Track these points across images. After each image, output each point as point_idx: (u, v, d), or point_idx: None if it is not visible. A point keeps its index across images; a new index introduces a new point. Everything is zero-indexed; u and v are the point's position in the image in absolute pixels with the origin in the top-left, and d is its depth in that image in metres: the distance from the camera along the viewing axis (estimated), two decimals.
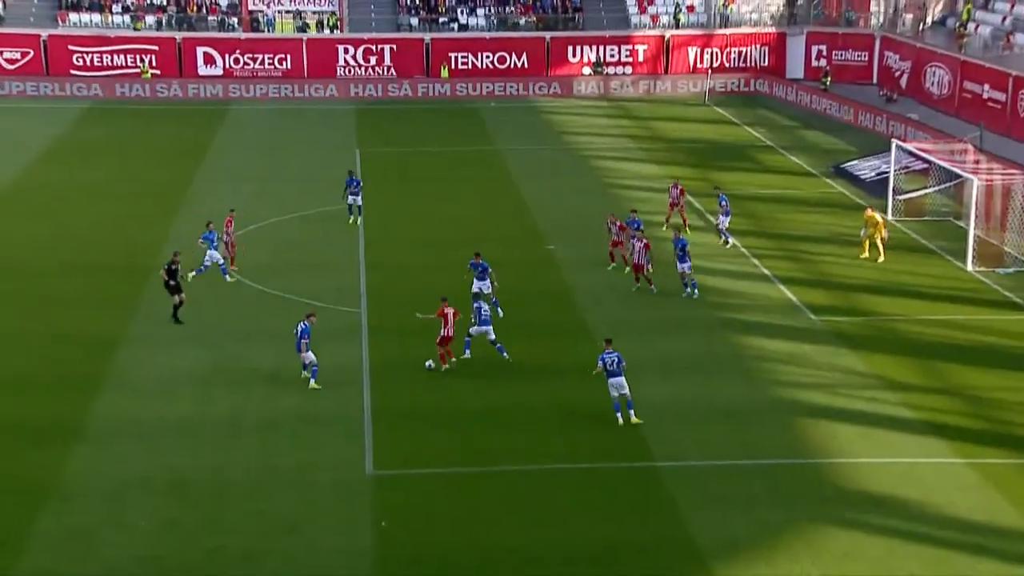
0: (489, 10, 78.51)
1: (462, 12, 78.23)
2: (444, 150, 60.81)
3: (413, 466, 27.04)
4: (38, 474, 26.29)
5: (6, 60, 73.22)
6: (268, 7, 76.80)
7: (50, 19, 75.47)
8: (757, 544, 23.88)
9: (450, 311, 31.69)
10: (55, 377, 31.60)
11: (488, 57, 75.88)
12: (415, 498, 25.72)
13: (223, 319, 35.87)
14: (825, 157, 58.29)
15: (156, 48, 74.03)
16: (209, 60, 74.50)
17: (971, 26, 64.62)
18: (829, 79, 72.06)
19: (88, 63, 73.49)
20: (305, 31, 76.05)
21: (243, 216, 46.34)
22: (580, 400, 30.29)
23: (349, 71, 75.02)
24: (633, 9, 79.00)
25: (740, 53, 76.71)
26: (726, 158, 58.48)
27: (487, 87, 74.73)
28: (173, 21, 75.99)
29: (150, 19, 75.90)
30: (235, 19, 76.55)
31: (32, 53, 73.31)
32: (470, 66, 75.67)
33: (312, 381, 30.83)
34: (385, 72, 75.16)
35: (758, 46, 76.63)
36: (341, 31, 76.40)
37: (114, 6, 76.19)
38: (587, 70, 76.12)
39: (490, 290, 35.69)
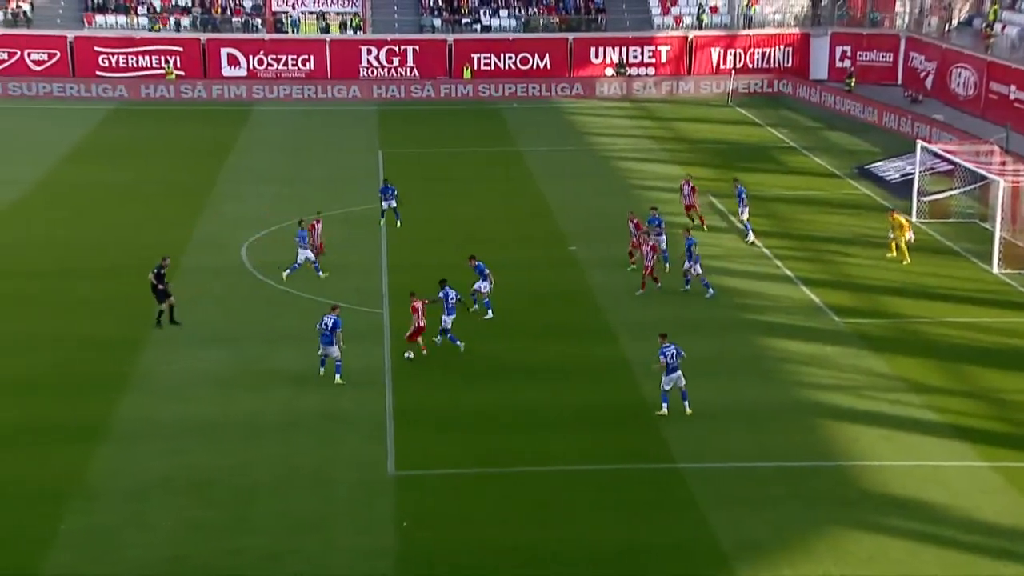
0: (512, 11, 78.49)
1: (485, 13, 78.28)
2: (467, 151, 60.85)
3: (435, 467, 27.04)
4: (62, 474, 26.38)
5: (34, 61, 73.62)
6: (292, 8, 77.00)
7: (77, 20, 75.87)
8: (780, 546, 23.79)
9: (419, 303, 32.34)
10: (79, 378, 31.71)
11: (511, 58, 75.90)
12: (437, 499, 25.73)
13: (245, 320, 35.98)
14: (849, 158, 58.09)
15: (180, 49, 74.34)
16: (233, 61, 74.75)
17: (998, 27, 64.25)
18: (853, 80, 71.76)
19: (113, 64, 73.86)
20: (328, 32, 76.19)
21: (266, 217, 46.63)
22: (601, 400, 30.30)
23: (372, 72, 75.15)
24: (656, 10, 78.89)
25: (764, 54, 76.50)
26: (749, 159, 58.33)
27: (510, 88, 74.76)
28: (198, 22, 76.24)
29: (175, 20, 76.11)
30: (259, 20, 76.79)
31: (59, 55, 73.71)
32: (493, 67, 75.71)
33: (337, 376, 30.95)
34: (408, 73, 75.28)
35: (782, 47, 76.42)
36: (364, 32, 76.56)
37: (139, 8, 76.50)
38: (610, 71, 76.06)
39: (488, 290, 35.88)
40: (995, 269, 40.59)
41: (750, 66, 76.33)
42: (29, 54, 73.65)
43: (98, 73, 73.71)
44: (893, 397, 30.75)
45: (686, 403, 29.24)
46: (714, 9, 78.45)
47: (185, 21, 76.44)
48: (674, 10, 78.74)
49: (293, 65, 75.03)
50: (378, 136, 63.98)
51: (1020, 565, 23.27)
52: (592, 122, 67.97)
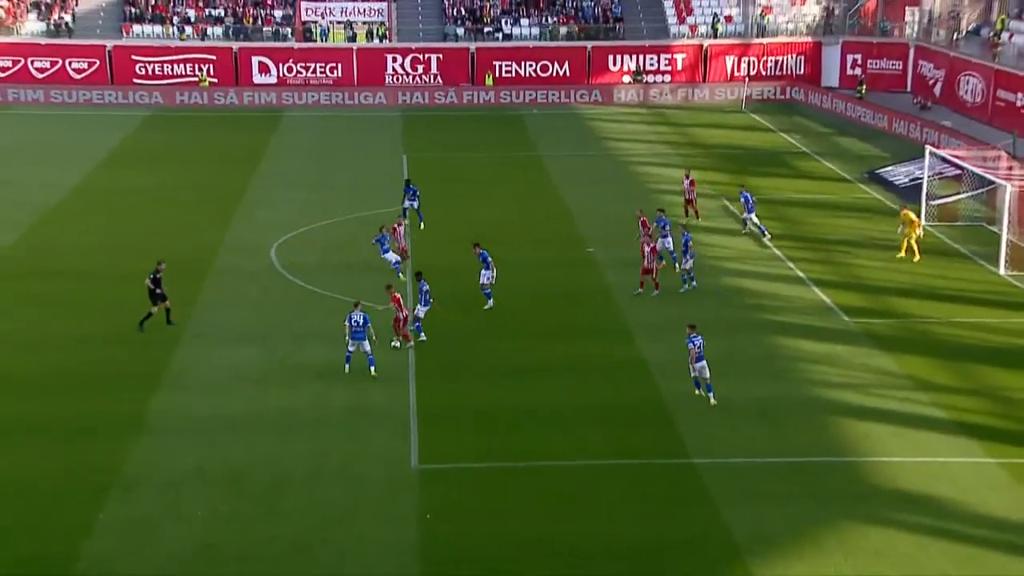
0: (533, 20, 78.51)
1: (506, 22, 78.30)
2: (488, 156, 60.90)
3: (458, 461, 27.09)
4: (101, 466, 26.54)
5: (74, 70, 74.04)
6: (320, 18, 77.18)
7: (115, 31, 76.21)
8: (791, 540, 23.76)
9: (399, 295, 33.11)
10: (116, 374, 31.86)
11: (531, 66, 75.95)
12: (459, 492, 25.76)
13: (275, 318, 36.07)
14: (859, 163, 57.95)
15: (214, 58, 74.64)
16: (264, 69, 75.00)
17: (1005, 35, 64.02)
18: (864, 87, 71.62)
19: (150, 72, 74.21)
20: (355, 41, 76.35)
21: (295, 219, 46.77)
22: (618, 398, 30.32)
23: (397, 79, 75.30)
24: (672, 19, 78.80)
25: (776, 62, 76.38)
26: (762, 164, 58.25)
27: (530, 95, 74.80)
28: (230, 32, 76.49)
29: (208, 30, 76.41)
30: (289, 30, 76.99)
31: (98, 63, 74.10)
32: (514, 74, 75.78)
33: (372, 369, 31.21)
34: (432, 80, 75.39)
35: (794, 55, 76.31)
36: (390, 41, 76.67)
37: (175, 18, 76.79)
38: (627, 78, 76.05)
39: (490, 280, 36.25)
40: (1002, 271, 40.46)
41: (763, 73, 76.23)
42: (70, 63, 74.05)
43: (135, 81, 74.07)
44: (902, 395, 30.69)
45: (711, 395, 29.57)
46: (728, 18, 78.33)
47: (218, 31, 76.69)
48: (689, 19, 78.63)
49: (321, 72, 75.24)
50: (403, 141, 64.09)
51: None
52: (610, 127, 67.97)
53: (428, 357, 32.78)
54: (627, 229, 42.89)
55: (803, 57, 76.27)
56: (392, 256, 39.27)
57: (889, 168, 55.39)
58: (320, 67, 75.30)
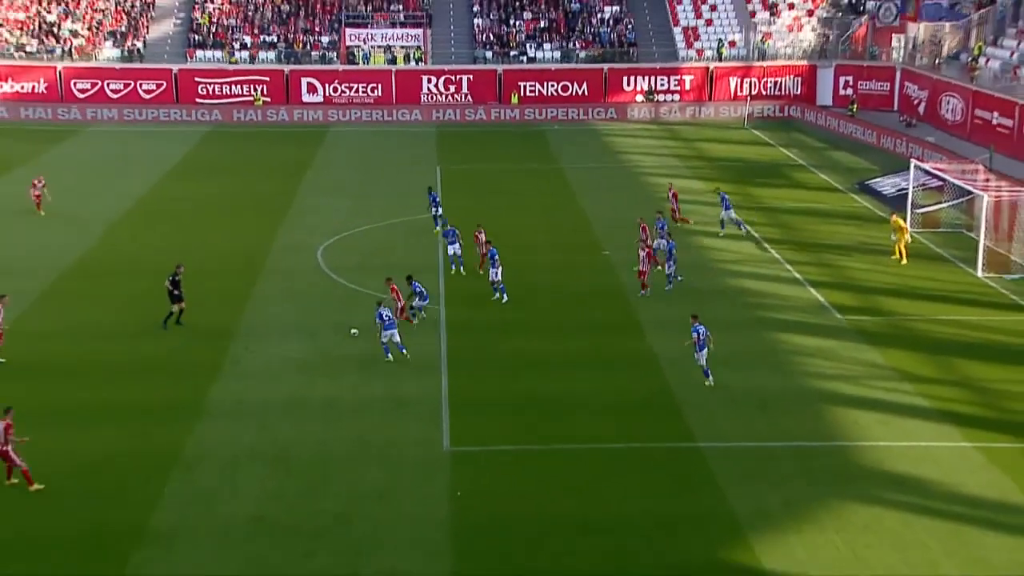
0: (554, 45, 78.44)
1: (531, 47, 78.26)
2: (514, 167, 60.83)
3: (485, 444, 27.12)
4: (166, 445, 26.72)
5: (144, 91, 74.36)
6: (363, 43, 77.29)
7: (180, 55, 76.53)
8: (789, 516, 23.73)
9: (396, 287, 33.42)
10: (180, 363, 32.04)
11: (553, 86, 75.83)
12: (486, 472, 25.80)
13: (321, 314, 36.14)
14: (851, 175, 57.65)
15: (267, 79, 74.82)
16: (312, 89, 75.14)
17: (982, 60, 63.59)
18: (855, 106, 71.27)
19: (210, 92, 74.44)
20: (394, 63, 76.45)
21: (339, 224, 46.87)
22: (631, 387, 30.29)
23: (432, 98, 75.33)
24: (681, 44, 78.59)
25: (776, 83, 76.06)
26: (762, 175, 58.01)
27: (552, 112, 74.68)
28: (282, 56, 76.71)
29: (262, 54, 76.72)
30: (334, 54, 77.14)
31: (165, 84, 74.39)
32: (537, 94, 75.67)
33: (405, 352, 31.54)
34: (463, 99, 75.40)
35: (792, 77, 75.95)
36: (425, 63, 76.71)
37: (234, 43, 77.11)
38: (640, 97, 75.84)
39: (498, 277, 36.60)
40: (979, 273, 40.20)
41: (764, 93, 75.91)
42: (141, 84, 74.37)
43: (197, 100, 74.30)
44: (889, 385, 30.56)
45: (710, 378, 29.89)
46: (732, 43, 78.08)
47: (271, 55, 76.93)
48: (697, 44, 78.41)
49: (363, 92, 75.33)
50: (436, 154, 64.08)
51: (1000, 534, 23.16)
52: (624, 142, 67.83)
53: (459, 350, 32.79)
54: (638, 233, 42.87)
55: (800, 79, 75.90)
56: (456, 248, 39.25)
57: (878, 179, 55.11)
58: (362, 87, 75.40)
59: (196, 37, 77.61)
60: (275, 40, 77.84)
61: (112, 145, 66.62)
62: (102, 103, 73.98)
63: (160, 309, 34.93)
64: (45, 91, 74.05)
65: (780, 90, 76.12)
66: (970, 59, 64.93)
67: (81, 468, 25.43)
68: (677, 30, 79.39)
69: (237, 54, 76.15)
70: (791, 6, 79.16)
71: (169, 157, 62.35)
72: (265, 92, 74.58)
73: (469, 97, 75.45)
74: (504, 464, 26.15)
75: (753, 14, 79.13)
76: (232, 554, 22.24)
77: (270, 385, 30.47)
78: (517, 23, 79.86)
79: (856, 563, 22.08)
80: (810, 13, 78.83)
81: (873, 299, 37.88)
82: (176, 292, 34.47)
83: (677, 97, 76.14)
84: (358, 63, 76.49)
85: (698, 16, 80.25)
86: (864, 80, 73.21)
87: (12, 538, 22.88)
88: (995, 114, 58.26)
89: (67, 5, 79.02)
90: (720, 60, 77.02)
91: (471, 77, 75.61)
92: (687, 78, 76.11)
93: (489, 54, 77.64)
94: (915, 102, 67.74)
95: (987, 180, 46.16)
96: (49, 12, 78.27)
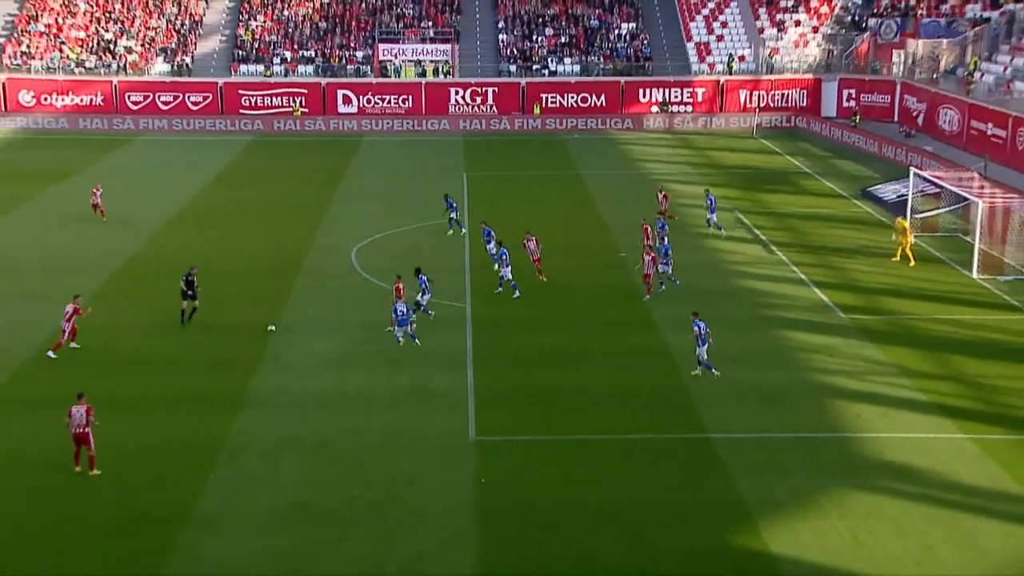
0: (574, 59, 78.33)
1: (552, 61, 78.15)
2: (536, 174, 60.82)
3: (508, 434, 27.10)
4: (210, 435, 26.81)
5: (192, 103, 74.70)
6: (394, 58, 77.37)
7: (225, 69, 76.85)
8: (794, 504, 23.62)
9: (401, 285, 33.63)
10: (223, 358, 32.15)
11: (573, 97, 75.73)
12: (510, 461, 25.77)
13: (355, 312, 36.18)
14: (853, 182, 57.34)
15: (305, 91, 75.02)
16: (347, 100, 75.29)
17: (977, 75, 63.19)
18: (858, 117, 70.93)
19: (253, 104, 74.70)
20: (424, 76, 76.51)
21: (372, 228, 46.95)
22: (646, 381, 30.21)
23: (459, 109, 75.36)
24: (694, 58, 78.35)
25: (783, 95, 75.75)
26: (770, 182, 57.77)
27: (572, 122, 74.57)
28: (319, 69, 76.89)
29: (301, 68, 76.95)
30: (368, 67, 77.27)
31: (211, 96, 74.70)
32: (558, 105, 75.59)
33: (417, 341, 32.24)
34: (488, 110, 75.39)
35: (798, 89, 75.62)
36: (453, 76, 76.72)
37: (274, 59, 77.36)
38: (655, 108, 75.66)
39: (509, 274, 36.85)
40: (975, 275, 39.91)
41: (771, 105, 75.61)
42: (188, 96, 74.72)
43: (240, 111, 74.60)
44: (889, 381, 30.37)
45: (712, 371, 30.07)
46: (742, 58, 77.78)
47: (309, 68, 77.13)
48: (709, 59, 78.16)
49: (395, 103, 75.43)
50: (463, 162, 64.11)
51: (994, 521, 23.01)
52: (640, 151, 67.66)
53: (484, 346, 32.77)
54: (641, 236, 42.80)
55: (806, 91, 75.55)
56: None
57: (879, 186, 54.78)
58: (394, 99, 75.50)
59: (240, 52, 77.91)
60: (313, 55, 78.02)
61: (162, 153, 66.95)
62: (153, 114, 74.40)
63: (204, 308, 35.05)
64: (102, 103, 74.51)
65: (787, 102, 75.80)
66: (966, 74, 64.54)
67: (131, 455, 25.53)
68: (690, 45, 79.16)
69: (276, 68, 76.37)
70: (797, 23, 78.84)
71: (214, 165, 62.60)
72: (304, 103, 74.79)
73: (494, 108, 75.42)
74: (527, 453, 26.12)
75: (762, 31, 78.85)
76: (272, 538, 22.26)
77: (307, 378, 30.52)
78: (540, 39, 79.76)
79: (858, 548, 21.95)
80: (815, 30, 78.48)
81: (874, 299, 37.65)
82: (189, 292, 34.47)
83: (690, 108, 75.89)
84: (390, 76, 76.58)
85: (710, 32, 79.99)
86: (866, 93, 72.81)
87: (64, 519, 23.01)
88: (990, 125, 57.83)
89: (123, 24, 79.46)
90: (730, 74, 76.76)
91: (496, 89, 75.58)
92: (699, 90, 75.87)
93: (513, 68, 77.58)
94: (914, 114, 67.31)
95: (982, 187, 45.79)
96: (106, 31, 78.77)
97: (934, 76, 67.76)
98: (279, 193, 55.15)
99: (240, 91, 74.73)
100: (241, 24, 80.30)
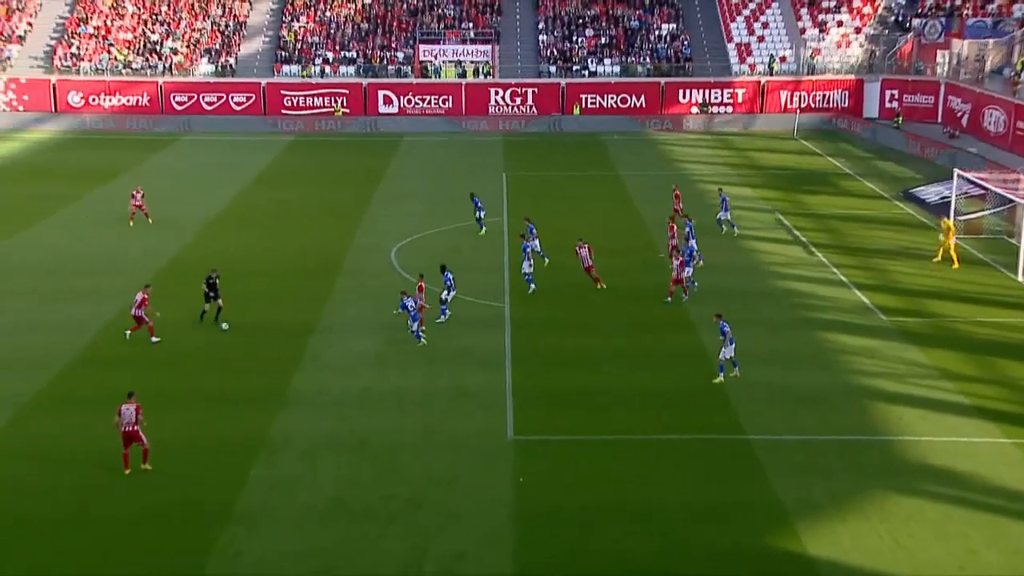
0: (614, 60, 78.14)
1: (592, 61, 78.00)
2: (575, 174, 60.71)
3: (546, 434, 27.04)
4: (251, 432, 26.95)
5: (235, 103, 75.32)
6: (435, 58, 77.54)
7: (268, 70, 77.39)
8: (834, 506, 23.38)
9: (423, 285, 33.51)
10: (263, 356, 32.31)
11: (612, 98, 75.56)
12: (547, 460, 25.70)
13: (393, 310, 36.19)
14: (896, 183, 56.75)
15: (347, 92, 75.39)
16: (388, 101, 75.58)
17: None
18: (900, 119, 70.20)
19: (295, 104, 75.19)
20: (464, 77, 76.62)
21: (411, 228, 47.05)
22: (683, 382, 30.04)
23: (499, 109, 75.40)
24: (734, 59, 77.89)
25: (824, 96, 75.16)
26: (811, 183, 57.30)
27: (611, 123, 74.41)
28: (361, 70, 77.25)
29: (342, 68, 77.34)
30: (409, 68, 77.49)
31: (254, 97, 75.27)
32: (597, 105, 75.46)
33: (423, 340, 32.32)
34: (528, 110, 75.37)
35: (840, 90, 75.01)
36: (493, 77, 76.77)
37: (316, 59, 77.81)
38: (695, 109, 75.32)
39: (529, 269, 36.96)
40: (1020, 278, 39.35)
41: (812, 106, 75.04)
42: (232, 97, 75.36)
43: (283, 111, 75.11)
44: (930, 384, 30.01)
45: (736, 369, 29.82)
46: (783, 59, 77.22)
47: (350, 69, 77.49)
48: (749, 59, 77.66)
49: (435, 104, 75.62)
50: (503, 162, 64.11)
51: None
52: (679, 151, 67.37)
53: (522, 347, 32.70)
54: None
55: (847, 92, 74.92)
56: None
57: (921, 188, 54.18)
58: (434, 99, 75.68)
59: (283, 53, 78.41)
60: (355, 56, 78.38)
61: (205, 153, 67.53)
62: (197, 114, 75.07)
63: (246, 306, 35.30)
64: (148, 104, 75.31)
65: (828, 103, 75.20)
66: (1012, 74, 63.66)
67: (173, 452, 25.70)
68: (731, 46, 78.69)
69: (316, 68, 76.81)
70: (840, 23, 78.15)
71: (256, 165, 63.01)
72: (344, 104, 75.14)
73: (534, 109, 75.39)
74: (564, 453, 26.04)
75: (803, 31, 78.24)
76: (311, 536, 22.35)
77: (346, 377, 30.59)
78: (580, 40, 79.62)
79: (899, 551, 21.70)
80: (858, 30, 77.74)
81: (916, 301, 37.22)
82: (211, 293, 34.58)
83: (730, 109, 75.49)
84: (431, 77, 76.77)
85: (751, 33, 79.47)
86: (909, 94, 72.03)
87: (110, 514, 23.24)
88: None
89: (169, 25, 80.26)
90: (771, 74, 76.24)
91: (536, 90, 75.55)
92: (739, 91, 75.44)
93: (553, 68, 77.50)
94: (958, 115, 66.48)
95: None
96: (153, 32, 79.59)
97: (979, 77, 66.89)
98: (320, 193, 55.39)
99: (282, 92, 75.23)
100: (284, 25, 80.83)
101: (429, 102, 75.56)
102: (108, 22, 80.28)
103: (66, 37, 78.85)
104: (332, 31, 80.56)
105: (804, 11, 79.60)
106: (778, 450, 26.02)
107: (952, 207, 45.64)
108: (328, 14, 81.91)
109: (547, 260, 39.66)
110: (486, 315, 35.36)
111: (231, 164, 63.41)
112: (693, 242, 39.46)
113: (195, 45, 78.80)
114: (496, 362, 31.45)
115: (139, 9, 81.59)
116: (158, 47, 78.54)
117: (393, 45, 79.36)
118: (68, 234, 46.91)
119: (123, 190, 52.27)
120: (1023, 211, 40.72)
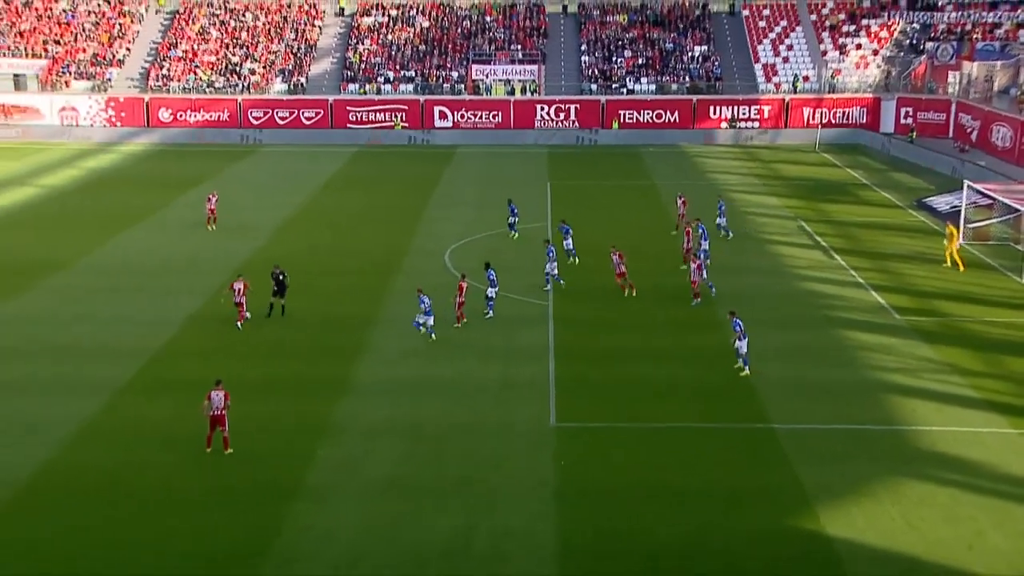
0: (650, 79, 77.75)
1: (630, 80, 77.68)
2: (614, 184, 60.45)
3: (586, 421, 26.95)
4: (317, 415, 27.12)
5: (306, 118, 75.85)
6: (486, 77, 77.60)
7: (335, 88, 77.88)
8: (850, 490, 23.11)
9: (464, 284, 33.24)
10: (329, 345, 32.51)
11: (649, 114, 75.18)
12: (587, 446, 25.61)
13: (446, 308, 36.09)
14: (910, 193, 55.95)
15: (406, 108, 75.65)
16: (443, 116, 75.76)
17: None
18: (915, 133, 69.24)
19: (359, 118, 75.58)
20: (512, 94, 76.61)
21: (463, 231, 47.07)
22: (712, 376, 29.79)
23: (544, 124, 75.30)
24: (761, 78, 77.25)
25: (844, 113, 74.34)
26: (831, 193, 56.65)
27: (647, 137, 74.03)
28: (418, 88, 77.51)
29: (402, 86, 77.64)
30: (462, 86, 77.64)
31: (322, 112, 75.76)
32: (635, 121, 75.11)
33: (433, 336, 32.14)
34: (571, 125, 75.21)
35: (859, 107, 74.15)
36: (539, 94, 76.69)
37: (378, 78, 78.17)
38: (724, 124, 74.77)
39: (553, 269, 36.93)
40: None
41: (833, 122, 74.26)
42: (303, 112, 75.91)
43: (348, 125, 75.53)
44: (942, 378, 29.56)
45: (746, 367, 29.42)
46: (806, 78, 76.48)
47: (409, 87, 77.77)
48: (775, 79, 76.98)
49: (486, 119, 75.66)
50: (547, 172, 64.00)
51: None
52: (710, 163, 66.87)
53: (565, 342, 32.62)
54: (721, 242, 42.16)
55: (866, 109, 74.05)
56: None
57: (934, 198, 53.42)
58: (485, 114, 75.74)
59: (348, 73, 78.88)
60: (413, 75, 78.67)
61: (279, 163, 68.02)
62: (272, 128, 75.69)
63: (313, 302, 35.48)
64: (227, 119, 76.06)
65: (848, 119, 74.37)
66: (1019, 92, 62.65)
67: (247, 433, 25.90)
68: (758, 66, 78.06)
69: (375, 86, 77.18)
70: (859, 46, 77.29)
71: (324, 173, 63.42)
72: (404, 118, 75.43)
73: (576, 123, 75.20)
74: (602, 439, 25.94)
75: (825, 53, 77.49)
76: (373, 510, 22.44)
77: (403, 367, 30.68)
78: (619, 60, 79.32)
79: (910, 532, 21.40)
80: (875, 52, 76.85)
81: (928, 302, 36.68)
82: (276, 290, 34.66)
83: (757, 124, 74.84)
84: (482, 94, 76.84)
85: (776, 54, 78.80)
86: (923, 111, 71.01)
87: (193, 489, 23.47)
88: None
89: (248, 48, 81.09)
90: (795, 92, 75.52)
91: (578, 106, 75.36)
92: (766, 108, 74.77)
93: (594, 86, 77.28)
94: (968, 131, 65.44)
95: None
96: (233, 55, 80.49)
97: (988, 95, 65.85)
98: (381, 199, 55.61)
99: (348, 107, 75.65)
100: (350, 48, 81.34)
101: (480, 117, 75.62)
102: (195, 47, 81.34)
103: (158, 60, 79.95)
104: (393, 52, 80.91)
105: (826, 35, 78.83)
106: (800, 438, 25.75)
107: (962, 215, 44.92)
108: (390, 37, 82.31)
109: (577, 260, 39.38)
110: (531, 313, 35.30)
111: (301, 173, 63.85)
112: (705, 244, 39.14)
113: (270, 66, 79.53)
114: (540, 355, 31.39)
115: (222, 35, 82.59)
116: (238, 68, 79.39)
117: (448, 65, 79.54)
118: (156, 237, 47.46)
119: (205, 197, 52.78)
120: None
